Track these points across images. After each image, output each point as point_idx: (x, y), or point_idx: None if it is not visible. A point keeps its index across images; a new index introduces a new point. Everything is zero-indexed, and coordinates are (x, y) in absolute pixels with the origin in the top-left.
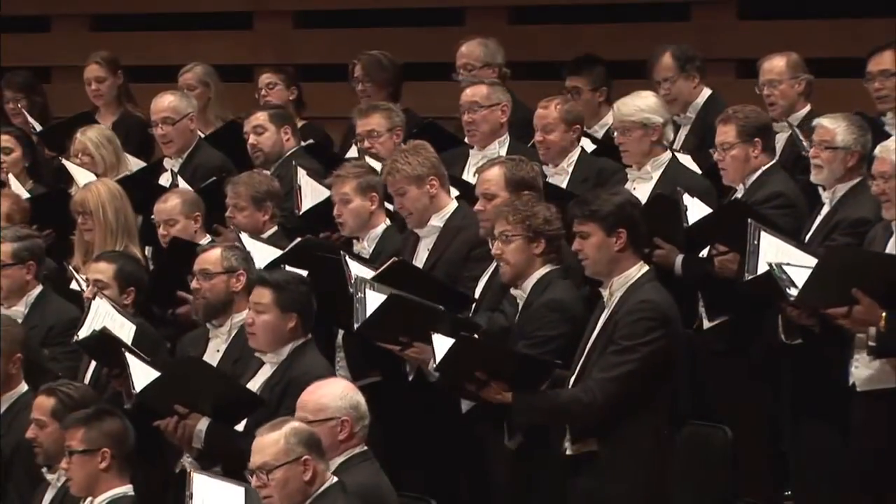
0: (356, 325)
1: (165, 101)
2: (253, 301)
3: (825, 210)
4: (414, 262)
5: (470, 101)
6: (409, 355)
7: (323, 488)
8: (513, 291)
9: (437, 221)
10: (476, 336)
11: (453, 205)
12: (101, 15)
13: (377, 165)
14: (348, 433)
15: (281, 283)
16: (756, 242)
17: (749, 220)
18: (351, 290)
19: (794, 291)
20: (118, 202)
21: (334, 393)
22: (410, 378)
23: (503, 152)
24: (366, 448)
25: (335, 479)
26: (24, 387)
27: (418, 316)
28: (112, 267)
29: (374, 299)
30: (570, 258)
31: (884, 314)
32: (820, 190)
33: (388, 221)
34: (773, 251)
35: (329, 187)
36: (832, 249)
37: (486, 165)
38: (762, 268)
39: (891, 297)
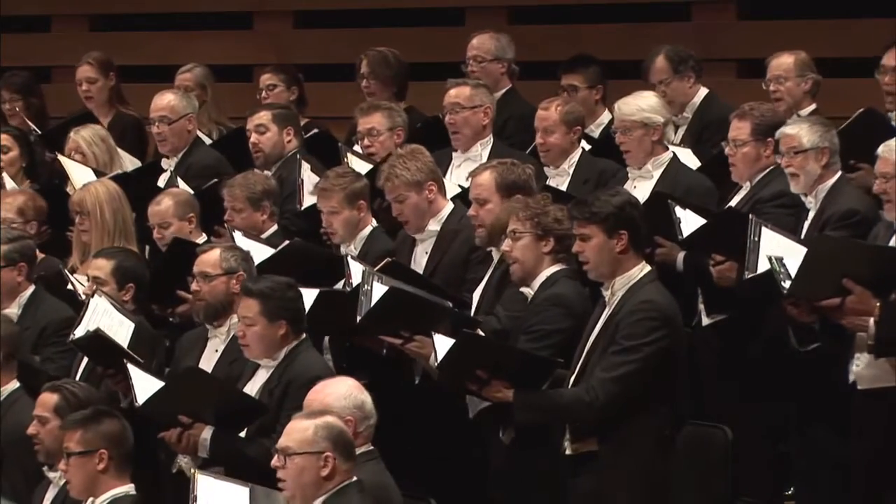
0: (359, 318)
1: (165, 100)
2: (241, 314)
3: (812, 213)
4: (411, 265)
5: (452, 103)
6: (410, 349)
7: (340, 486)
8: (523, 290)
9: (434, 225)
10: (478, 333)
11: (449, 206)
12: (101, 15)
13: (362, 167)
14: (352, 432)
15: (266, 293)
16: (756, 239)
17: (750, 216)
18: (348, 289)
19: (788, 284)
20: (116, 203)
21: (338, 392)
22: (417, 381)
23: (485, 154)
24: (372, 447)
25: (354, 477)
26: (15, 383)
27: (420, 310)
28: (110, 263)
29: (379, 291)
30: None
31: (878, 304)
32: (802, 197)
33: (374, 223)
34: (774, 248)
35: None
36: (819, 240)
37: (478, 170)
38: (763, 265)
39: (881, 288)
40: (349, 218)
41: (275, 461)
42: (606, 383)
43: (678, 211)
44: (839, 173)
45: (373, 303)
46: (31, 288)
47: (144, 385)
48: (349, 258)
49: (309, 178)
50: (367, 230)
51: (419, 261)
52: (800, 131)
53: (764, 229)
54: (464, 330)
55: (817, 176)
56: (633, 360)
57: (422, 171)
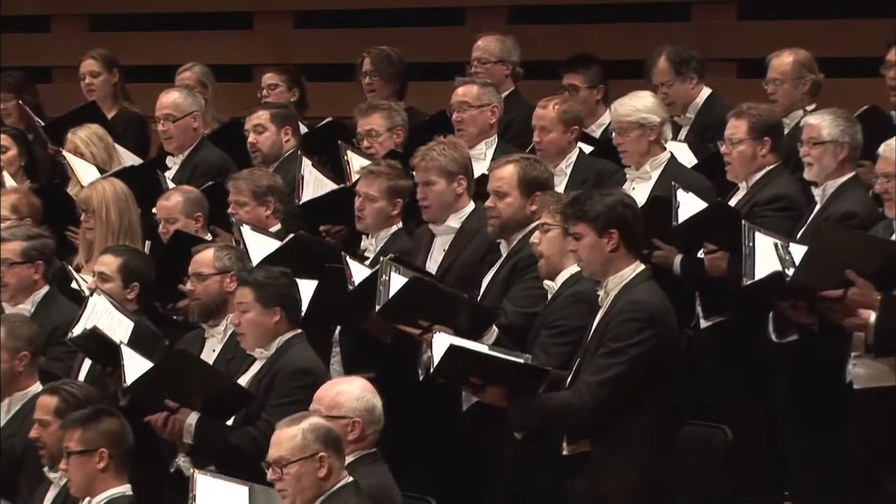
0: (377, 308)
1: (170, 98)
2: (237, 301)
3: (817, 207)
4: (428, 261)
5: (460, 101)
6: (428, 339)
7: (337, 486)
8: (546, 283)
9: (454, 222)
10: (466, 347)
11: (471, 206)
12: (101, 15)
13: (362, 165)
14: (359, 434)
15: (261, 281)
16: (751, 245)
17: (742, 222)
18: (350, 287)
19: (792, 272)
20: (122, 203)
21: (352, 392)
22: (421, 378)
23: (490, 153)
24: (375, 449)
25: (350, 478)
26: (38, 386)
27: (440, 300)
28: (118, 260)
29: (397, 282)
30: None
31: (878, 296)
32: (812, 188)
33: (400, 224)
34: (770, 252)
35: (336, 181)
36: (825, 229)
37: (499, 163)
38: (759, 271)
39: (883, 282)
40: (383, 209)
41: (270, 475)
42: (593, 386)
43: (680, 194)
44: (853, 173)
45: (391, 292)
46: (46, 288)
47: (136, 368)
48: (347, 258)
49: (310, 173)
50: (393, 229)
51: (436, 256)
52: (822, 122)
53: (758, 234)
54: (452, 343)
55: (832, 170)
56: (620, 361)
57: (457, 163)
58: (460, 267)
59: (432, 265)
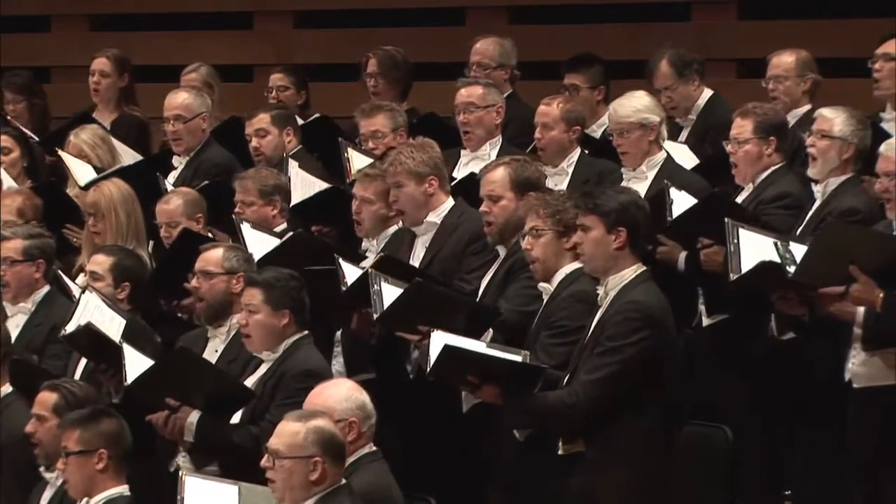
0: (375, 316)
1: (179, 99)
2: (244, 302)
3: (816, 204)
4: (411, 260)
5: (465, 102)
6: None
7: (330, 490)
8: (540, 286)
9: (434, 218)
10: (460, 347)
11: (450, 202)
12: (101, 15)
13: (362, 163)
14: (356, 434)
15: (270, 282)
16: (736, 241)
17: (726, 220)
18: (343, 288)
19: (793, 269)
20: (129, 205)
21: (339, 395)
22: (412, 376)
23: (494, 154)
24: (375, 448)
25: (343, 481)
26: (8, 387)
27: (439, 304)
28: (109, 260)
29: (389, 290)
30: None
31: (881, 294)
32: (812, 185)
33: (400, 224)
34: (754, 247)
35: (325, 179)
36: (830, 225)
37: (490, 166)
38: (746, 266)
39: (886, 279)
40: (378, 211)
41: (265, 461)
42: (587, 385)
43: (673, 192)
44: (854, 174)
45: (385, 300)
46: (47, 287)
47: (137, 367)
48: (340, 260)
49: (297, 174)
50: (393, 229)
51: (418, 254)
52: (836, 118)
53: (741, 230)
54: (447, 343)
55: (834, 166)
56: (615, 361)
57: (426, 164)
58: (441, 261)
59: (414, 263)
